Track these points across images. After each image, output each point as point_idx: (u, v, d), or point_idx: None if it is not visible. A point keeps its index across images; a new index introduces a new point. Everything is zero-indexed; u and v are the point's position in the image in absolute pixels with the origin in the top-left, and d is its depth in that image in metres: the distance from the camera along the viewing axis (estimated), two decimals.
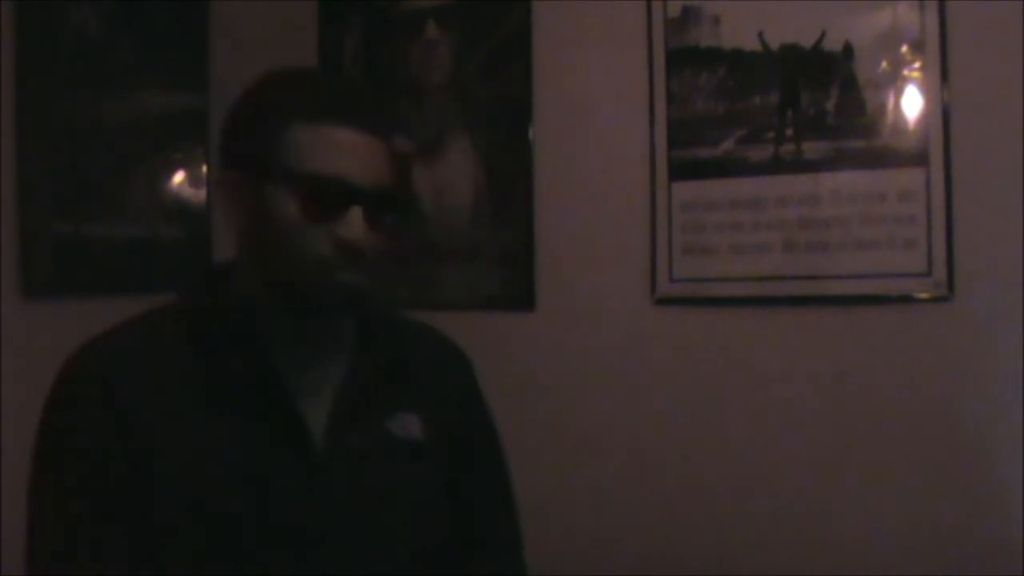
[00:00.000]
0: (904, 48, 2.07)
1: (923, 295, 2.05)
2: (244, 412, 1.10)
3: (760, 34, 2.18)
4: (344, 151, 1.09)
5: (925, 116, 2.05)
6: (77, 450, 1.09)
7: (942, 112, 2.03)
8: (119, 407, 1.07)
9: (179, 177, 2.41)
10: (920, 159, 2.05)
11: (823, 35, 2.12)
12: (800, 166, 2.15)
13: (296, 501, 1.10)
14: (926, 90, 2.05)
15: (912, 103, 2.06)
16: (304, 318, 1.15)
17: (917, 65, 2.06)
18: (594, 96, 2.35)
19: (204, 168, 2.44)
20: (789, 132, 2.16)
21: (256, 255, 1.14)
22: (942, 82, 2.03)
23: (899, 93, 2.07)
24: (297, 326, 1.15)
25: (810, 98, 2.15)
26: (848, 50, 2.11)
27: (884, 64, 2.08)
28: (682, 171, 2.26)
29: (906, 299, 2.07)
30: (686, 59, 2.25)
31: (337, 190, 1.08)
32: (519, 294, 2.42)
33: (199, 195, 2.44)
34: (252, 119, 1.14)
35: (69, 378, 1.13)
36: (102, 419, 1.08)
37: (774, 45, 2.17)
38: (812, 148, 2.14)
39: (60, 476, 1.11)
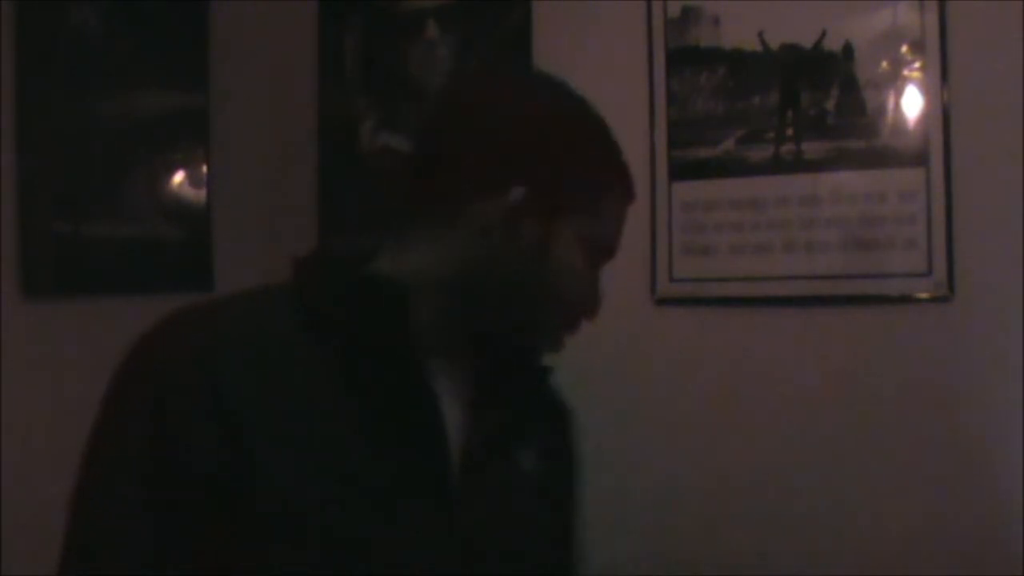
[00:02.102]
0: (904, 48, 2.07)
1: (923, 295, 2.05)
2: (383, 427, 0.94)
3: (760, 34, 2.18)
4: (617, 223, 1.13)
5: (925, 116, 2.05)
6: (167, 462, 0.88)
7: (942, 112, 2.03)
8: (227, 414, 0.88)
9: (179, 177, 2.41)
10: (920, 159, 2.05)
11: (823, 35, 2.12)
12: (800, 166, 2.15)
13: (427, 536, 0.96)
14: (926, 90, 2.05)
15: (912, 103, 2.06)
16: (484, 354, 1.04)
17: (917, 65, 2.06)
18: (594, 96, 2.33)
19: (204, 168, 2.44)
20: (789, 132, 2.16)
21: (485, 297, 1.00)
22: (942, 82, 2.03)
23: (899, 93, 2.07)
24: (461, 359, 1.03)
25: (810, 98, 2.15)
26: (848, 50, 2.11)
27: (884, 64, 2.08)
28: (682, 171, 2.26)
29: (906, 299, 2.07)
30: (686, 59, 2.25)
31: (604, 254, 1.11)
32: None
33: (199, 195, 2.44)
34: (562, 152, 1.06)
35: (164, 373, 0.90)
36: (204, 431, 0.88)
37: (774, 45, 2.17)
38: (812, 148, 2.14)
39: (134, 490, 0.89)
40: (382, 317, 0.95)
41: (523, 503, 1.06)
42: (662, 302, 2.28)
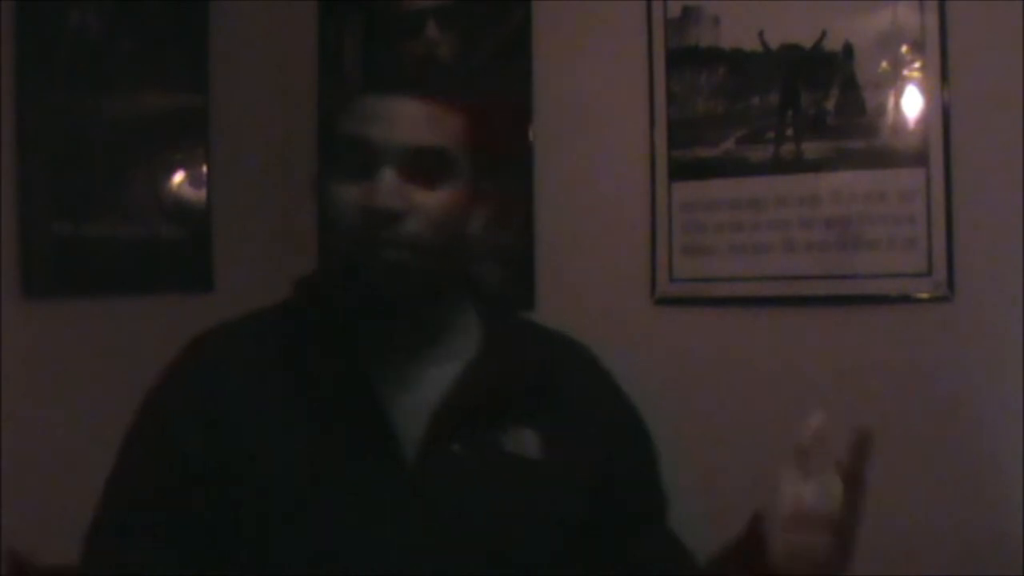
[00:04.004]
0: (904, 48, 2.07)
1: (923, 295, 2.05)
2: (336, 421, 1.07)
3: (760, 34, 2.18)
4: (371, 113, 1.05)
5: (925, 116, 2.05)
6: (160, 440, 1.10)
7: (942, 112, 2.03)
8: (212, 408, 1.08)
9: (179, 177, 2.41)
10: (920, 159, 2.05)
11: (823, 35, 2.12)
12: (800, 166, 2.15)
13: (380, 512, 1.05)
14: (926, 90, 2.05)
15: (912, 103, 2.06)
16: (371, 310, 1.08)
17: (917, 65, 2.06)
18: (594, 96, 2.35)
19: (204, 168, 2.44)
20: (789, 132, 2.16)
21: (326, 248, 1.14)
22: (942, 82, 2.03)
23: (899, 93, 2.07)
24: (380, 325, 1.10)
25: (810, 98, 2.15)
26: (848, 50, 2.11)
27: (884, 64, 2.08)
28: (682, 171, 2.26)
29: (906, 299, 2.07)
30: (686, 59, 2.25)
31: (360, 147, 1.04)
32: (519, 294, 2.42)
33: (199, 195, 2.44)
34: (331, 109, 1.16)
35: (172, 370, 1.14)
36: (192, 419, 1.08)
37: (774, 45, 2.17)
38: (812, 148, 2.14)
39: (137, 459, 1.12)
40: (318, 312, 1.11)
41: (501, 484, 1.10)
42: (662, 302, 2.28)
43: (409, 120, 1.05)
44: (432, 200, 1.05)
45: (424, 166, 1.04)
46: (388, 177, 1.03)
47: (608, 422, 1.23)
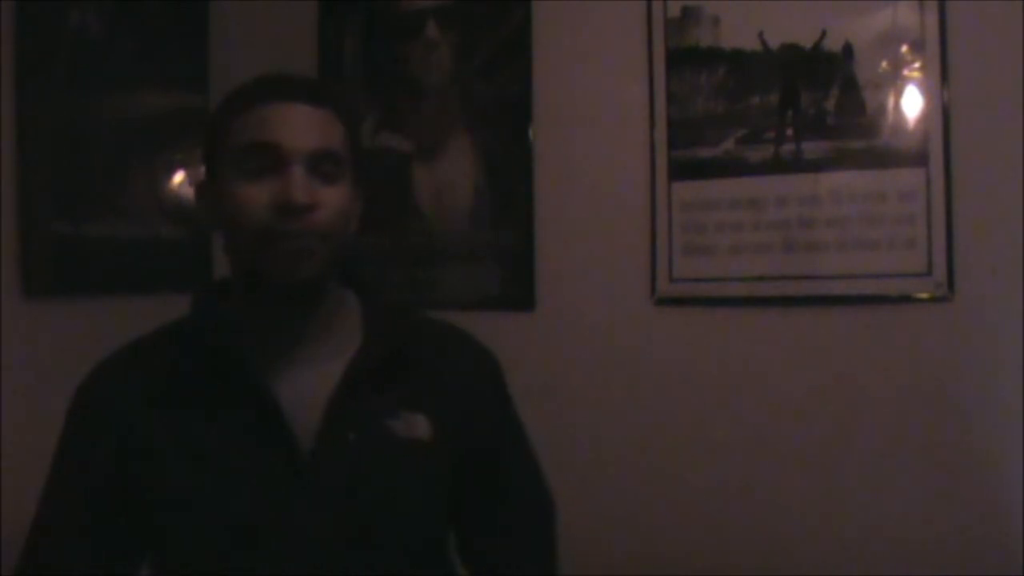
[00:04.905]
0: (904, 48, 2.07)
1: (923, 295, 2.05)
2: (231, 416, 1.14)
3: (760, 34, 2.18)
4: (274, 120, 1.14)
5: (925, 116, 2.05)
6: (74, 454, 1.20)
7: (942, 112, 2.03)
8: (115, 418, 1.17)
9: (179, 177, 2.41)
10: (920, 159, 2.05)
11: (823, 35, 2.12)
12: (800, 166, 2.15)
13: (277, 501, 1.13)
14: (926, 90, 2.05)
15: (912, 103, 2.06)
16: (270, 299, 1.17)
17: (917, 65, 2.06)
18: (594, 96, 2.35)
19: (204, 168, 2.44)
20: (789, 132, 2.16)
21: (228, 249, 1.18)
22: (942, 82, 2.03)
23: (899, 93, 2.08)
24: (273, 314, 1.18)
25: (810, 98, 2.15)
26: (848, 50, 2.11)
27: (884, 64, 2.08)
28: (682, 171, 2.26)
29: (906, 299, 2.07)
30: (686, 59, 2.25)
31: (269, 151, 1.12)
32: (519, 294, 2.42)
33: None
34: (209, 123, 1.22)
35: (78, 391, 1.23)
36: (99, 429, 1.18)
37: (774, 45, 2.17)
38: (812, 148, 2.14)
39: (56, 477, 1.22)
40: (203, 313, 1.21)
41: (395, 467, 1.17)
42: (662, 302, 2.28)
43: (312, 126, 1.15)
44: (331, 196, 1.15)
45: (324, 166, 1.14)
46: (299, 175, 1.12)
47: (476, 400, 1.29)
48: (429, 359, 1.25)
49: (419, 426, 1.20)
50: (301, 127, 1.14)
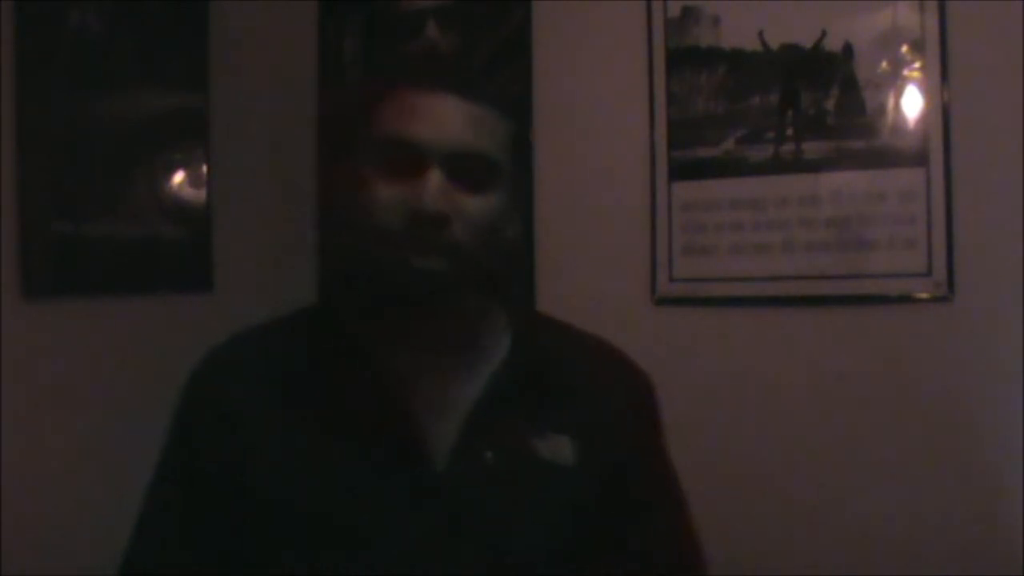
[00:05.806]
0: (904, 48, 2.07)
1: (923, 295, 2.05)
2: (364, 429, 1.02)
3: (760, 34, 2.18)
4: (416, 113, 1.00)
5: (925, 116, 2.05)
6: (185, 451, 1.08)
7: (942, 112, 2.03)
8: (230, 417, 1.05)
9: (179, 177, 2.41)
10: (920, 159, 2.05)
11: (823, 35, 2.13)
12: (800, 166, 2.15)
13: (399, 521, 1.01)
14: (926, 90, 2.05)
15: (912, 103, 2.07)
16: (397, 312, 1.04)
17: (917, 65, 2.06)
18: (594, 96, 2.35)
19: (204, 168, 2.44)
20: (789, 132, 2.16)
21: (349, 248, 1.04)
22: (942, 82, 2.03)
23: (899, 93, 2.08)
24: (404, 328, 1.04)
25: (810, 98, 2.15)
26: (848, 50, 2.11)
27: (884, 64, 2.08)
28: (682, 171, 2.26)
29: (906, 299, 2.07)
30: (686, 59, 2.26)
31: (407, 151, 0.99)
32: (519, 294, 2.42)
33: (199, 195, 2.43)
34: (347, 105, 1.10)
35: (189, 385, 1.10)
36: (212, 428, 1.06)
37: (774, 45, 2.17)
38: (812, 148, 2.15)
39: (163, 479, 1.10)
40: (342, 318, 1.08)
41: (535, 491, 1.04)
42: (662, 302, 2.28)
43: (460, 123, 1.00)
44: (475, 206, 1.01)
45: (472, 171, 1.00)
46: (435, 180, 0.98)
47: (624, 428, 1.15)
48: (577, 378, 1.11)
49: (564, 450, 1.06)
50: (446, 123, 0.99)
